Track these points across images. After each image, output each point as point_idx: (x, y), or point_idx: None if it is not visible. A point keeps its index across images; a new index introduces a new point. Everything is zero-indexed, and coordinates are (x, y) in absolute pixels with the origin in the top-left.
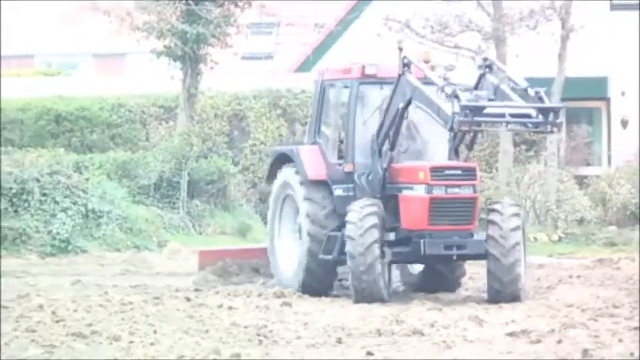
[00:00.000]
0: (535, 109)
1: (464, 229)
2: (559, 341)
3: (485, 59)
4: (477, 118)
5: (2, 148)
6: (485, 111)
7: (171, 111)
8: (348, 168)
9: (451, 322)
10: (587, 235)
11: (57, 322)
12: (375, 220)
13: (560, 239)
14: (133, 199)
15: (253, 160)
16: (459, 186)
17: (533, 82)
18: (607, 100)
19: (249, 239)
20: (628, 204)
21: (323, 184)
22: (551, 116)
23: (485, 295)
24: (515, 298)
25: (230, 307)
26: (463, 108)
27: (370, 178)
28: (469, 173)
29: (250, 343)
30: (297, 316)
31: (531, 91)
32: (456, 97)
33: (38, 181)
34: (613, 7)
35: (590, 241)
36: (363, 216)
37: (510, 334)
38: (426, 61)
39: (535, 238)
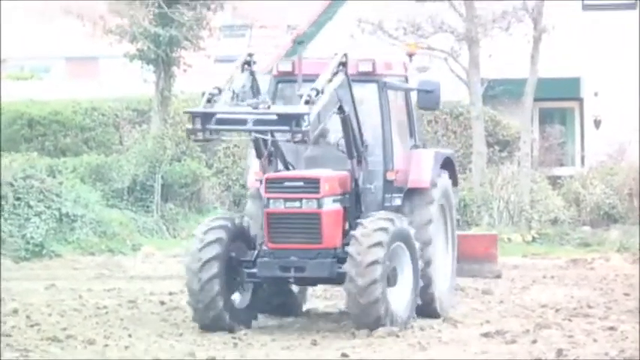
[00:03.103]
0: (277, 115)
1: (309, 248)
2: (534, 341)
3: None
4: (210, 126)
5: None
6: (223, 117)
7: (144, 114)
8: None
9: (425, 323)
10: (560, 236)
11: (31, 326)
12: (215, 236)
13: (534, 240)
14: (106, 202)
15: (227, 162)
16: (299, 199)
17: (506, 83)
18: (580, 100)
19: None
20: (602, 204)
21: (259, 196)
22: (293, 124)
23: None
24: (375, 324)
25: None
26: (193, 115)
27: None
28: (312, 185)
29: (225, 345)
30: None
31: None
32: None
33: (12, 185)
34: (585, 8)
35: (564, 241)
36: (206, 230)
37: (485, 335)
38: (410, 55)
39: (509, 239)
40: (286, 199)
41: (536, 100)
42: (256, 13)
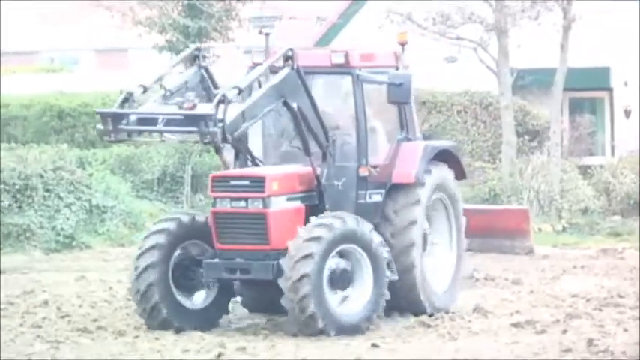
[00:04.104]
0: (184, 116)
1: (256, 249)
2: (564, 331)
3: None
4: (121, 127)
5: (6, 145)
6: (137, 117)
7: None
8: None
9: (456, 313)
10: (590, 225)
11: (62, 317)
12: (154, 241)
13: (564, 229)
14: (136, 194)
15: None
16: (245, 199)
17: (535, 72)
18: (610, 90)
19: None
20: (632, 194)
21: None
22: (202, 125)
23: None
24: (315, 332)
25: (236, 302)
26: (103, 115)
27: None
28: (257, 184)
29: (255, 337)
30: None
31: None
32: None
33: (42, 177)
34: None
35: (594, 231)
36: (145, 236)
37: (515, 325)
38: (402, 44)
39: (539, 229)
40: (232, 199)
41: (565, 89)
42: (285, 5)
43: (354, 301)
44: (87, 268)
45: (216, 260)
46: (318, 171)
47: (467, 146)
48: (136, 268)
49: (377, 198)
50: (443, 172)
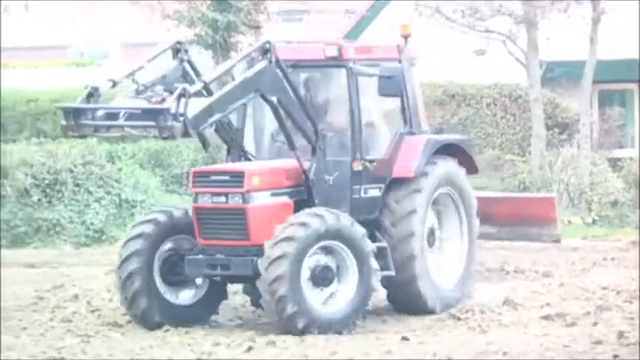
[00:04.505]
0: (142, 110)
1: (236, 245)
2: (594, 324)
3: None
4: (83, 122)
5: (35, 140)
6: (101, 112)
7: None
8: None
9: (486, 306)
10: (620, 218)
11: (92, 312)
12: (140, 230)
13: (594, 222)
14: (166, 188)
15: None
16: (225, 194)
17: (565, 65)
18: (639, 82)
19: None
20: None
21: None
22: (160, 119)
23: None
24: (294, 331)
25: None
26: (65, 111)
27: None
28: (236, 179)
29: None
30: None
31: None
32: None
33: (71, 171)
34: None
35: (624, 223)
36: (137, 222)
37: (545, 318)
38: (406, 37)
39: (569, 221)
40: (213, 194)
41: (595, 82)
42: None
43: (340, 298)
44: (116, 262)
45: (199, 256)
46: (305, 165)
47: (496, 139)
48: (120, 257)
49: (375, 192)
50: (450, 166)
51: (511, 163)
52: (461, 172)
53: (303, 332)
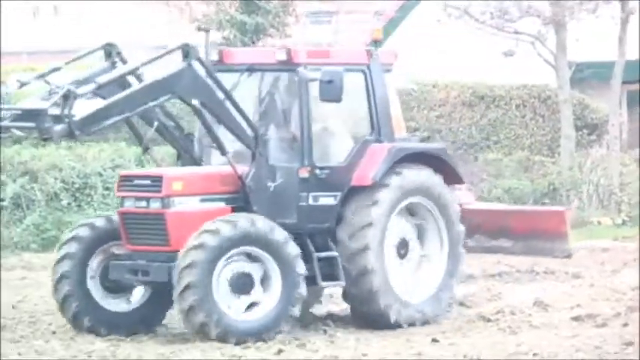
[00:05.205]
0: (23, 111)
1: (158, 250)
2: (625, 325)
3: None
4: None
5: (64, 144)
6: None
7: None
8: None
9: (516, 307)
10: None
11: None
12: (75, 233)
13: (624, 222)
14: None
15: None
16: (146, 199)
17: (594, 65)
18: None
19: None
20: None
21: None
22: (39, 121)
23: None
24: (201, 337)
25: None
26: None
27: None
28: (156, 183)
29: (316, 332)
30: None
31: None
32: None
33: (101, 175)
34: None
35: None
36: (61, 243)
37: (576, 319)
38: (376, 41)
39: (599, 222)
40: (136, 198)
41: (624, 82)
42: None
43: (264, 305)
44: None
45: (121, 262)
46: (240, 171)
47: (526, 140)
48: (53, 278)
49: (328, 201)
50: (423, 176)
51: (540, 165)
52: (438, 181)
53: (220, 341)
